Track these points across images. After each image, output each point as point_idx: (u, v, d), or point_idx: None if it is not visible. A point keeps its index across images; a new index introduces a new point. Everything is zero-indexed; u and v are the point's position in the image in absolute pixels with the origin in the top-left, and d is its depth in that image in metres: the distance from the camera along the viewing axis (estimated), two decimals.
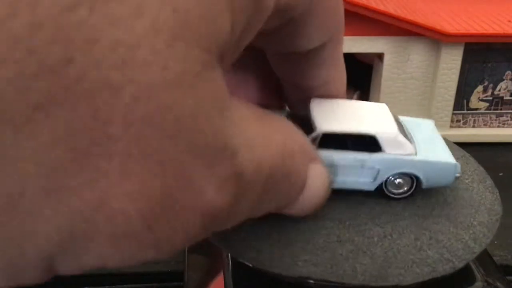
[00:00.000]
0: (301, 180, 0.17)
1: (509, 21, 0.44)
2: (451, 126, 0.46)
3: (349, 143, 0.20)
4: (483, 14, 0.46)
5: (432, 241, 0.19)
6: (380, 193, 0.21)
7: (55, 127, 0.10)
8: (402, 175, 0.20)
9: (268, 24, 0.15)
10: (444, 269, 0.18)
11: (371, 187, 0.20)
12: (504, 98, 0.45)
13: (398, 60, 0.44)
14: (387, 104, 0.22)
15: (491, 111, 0.46)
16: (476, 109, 0.46)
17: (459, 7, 0.48)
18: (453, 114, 0.45)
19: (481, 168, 0.23)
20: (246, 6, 0.13)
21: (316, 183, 0.17)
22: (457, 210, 0.20)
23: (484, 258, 0.21)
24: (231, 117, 0.13)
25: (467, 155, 0.24)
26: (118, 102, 0.11)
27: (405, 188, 0.21)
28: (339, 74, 0.22)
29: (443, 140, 0.22)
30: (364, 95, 0.48)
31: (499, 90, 0.45)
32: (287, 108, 0.24)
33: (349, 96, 0.23)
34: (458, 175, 0.20)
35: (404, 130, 0.21)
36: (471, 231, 0.19)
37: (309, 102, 0.21)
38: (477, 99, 0.45)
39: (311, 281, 0.17)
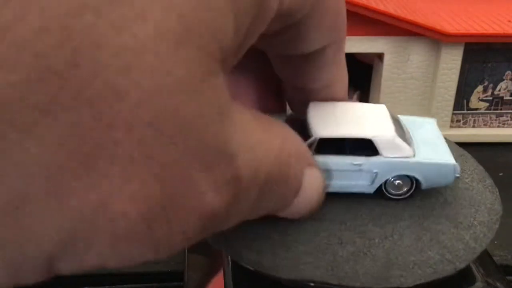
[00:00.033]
0: (297, 183, 0.17)
1: (509, 21, 0.44)
2: (451, 126, 0.46)
3: (346, 146, 0.20)
4: (483, 14, 0.46)
5: (433, 241, 0.19)
6: (380, 194, 0.21)
7: (60, 130, 0.10)
8: (400, 177, 0.20)
9: (270, 27, 0.15)
10: (445, 270, 0.18)
11: (370, 190, 0.20)
12: (504, 98, 0.45)
13: (398, 60, 0.44)
14: (387, 104, 0.22)
15: (491, 111, 0.46)
16: (476, 109, 0.46)
17: (459, 7, 0.48)
18: (453, 114, 0.45)
19: (480, 167, 0.23)
20: (249, 11, 0.13)
21: (311, 187, 0.18)
22: (457, 210, 0.20)
23: (484, 258, 0.21)
24: (231, 121, 0.13)
25: (466, 154, 0.24)
26: (122, 107, 0.11)
27: (405, 189, 0.21)
28: (341, 77, 0.22)
29: (444, 139, 0.22)
30: (364, 95, 0.48)
31: (499, 90, 0.45)
32: (286, 112, 0.24)
33: (349, 96, 0.23)
34: (457, 175, 0.20)
35: (404, 131, 0.21)
36: (471, 231, 0.19)
37: (307, 106, 0.21)
38: (477, 99, 0.45)
39: (311, 284, 0.17)
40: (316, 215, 0.19)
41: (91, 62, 0.10)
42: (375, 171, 0.20)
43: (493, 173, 0.23)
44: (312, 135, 0.19)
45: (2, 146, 0.10)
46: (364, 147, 0.20)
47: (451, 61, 0.43)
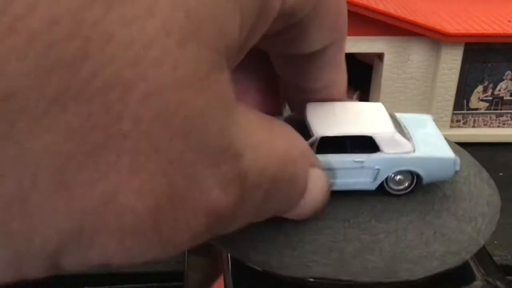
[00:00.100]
0: (302, 184, 0.17)
1: (509, 21, 0.44)
2: (451, 126, 0.46)
3: (347, 145, 0.20)
4: (483, 14, 0.46)
5: (437, 235, 0.19)
6: (381, 190, 0.21)
7: (69, 121, 0.10)
8: (402, 172, 0.20)
9: (272, 26, 0.16)
10: (453, 262, 0.18)
11: (372, 186, 0.21)
12: (504, 98, 0.45)
13: (398, 60, 0.44)
14: (387, 104, 0.22)
15: (491, 111, 0.46)
16: (476, 109, 0.46)
17: (459, 7, 0.48)
18: (453, 114, 0.45)
19: (475, 161, 0.23)
20: (253, 10, 0.13)
21: (316, 188, 0.18)
22: (457, 203, 0.21)
23: (484, 258, 0.21)
24: (237, 119, 0.13)
25: (461, 149, 0.24)
26: (130, 99, 0.11)
27: (406, 184, 0.21)
28: (341, 77, 0.22)
29: (441, 134, 0.22)
30: (364, 95, 0.48)
31: (499, 90, 0.45)
32: (284, 113, 0.25)
33: (349, 96, 0.23)
34: (457, 168, 0.20)
35: (402, 128, 0.21)
36: (473, 224, 0.20)
37: (305, 106, 0.21)
38: (477, 99, 0.45)
39: (311, 280, 0.17)
40: (318, 214, 0.19)
41: (101, 53, 0.10)
42: (377, 167, 0.20)
43: (493, 173, 0.23)
44: (313, 135, 0.20)
45: (11, 135, 0.10)
46: (365, 144, 0.20)
47: (451, 61, 0.43)
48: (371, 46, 0.43)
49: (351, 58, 0.44)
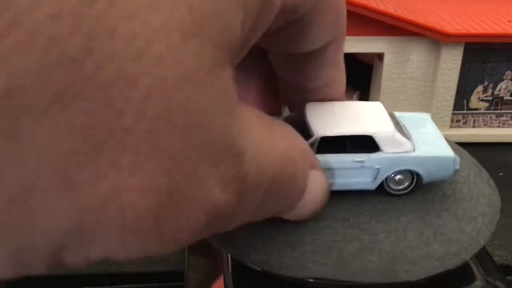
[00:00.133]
0: (302, 185, 0.17)
1: (509, 21, 0.44)
2: (451, 126, 0.46)
3: (347, 144, 0.20)
4: (483, 14, 0.46)
5: (437, 235, 0.19)
6: (381, 190, 0.21)
7: (72, 117, 0.10)
8: (402, 172, 0.20)
9: (274, 23, 0.16)
10: (453, 262, 0.18)
11: (372, 186, 0.21)
12: (504, 98, 0.45)
13: (398, 60, 0.44)
14: (387, 104, 0.22)
15: (491, 111, 0.46)
16: (476, 109, 0.46)
17: (459, 7, 0.48)
18: (453, 114, 0.45)
19: (475, 160, 0.23)
20: (256, 4, 0.13)
21: (315, 188, 0.18)
22: (457, 203, 0.21)
23: (484, 258, 0.21)
24: (239, 117, 0.13)
25: (460, 149, 0.24)
26: (132, 94, 0.11)
27: (406, 184, 0.21)
28: (340, 75, 0.22)
29: (441, 133, 0.22)
30: (364, 95, 0.48)
31: (499, 90, 0.45)
32: (284, 113, 0.24)
33: (349, 96, 0.23)
34: (457, 167, 0.20)
35: (401, 127, 0.21)
36: (473, 224, 0.20)
37: (305, 107, 0.21)
38: (477, 99, 0.45)
39: (312, 281, 0.17)
40: (318, 214, 0.19)
41: (104, 48, 0.10)
42: (377, 167, 0.20)
43: (493, 173, 0.23)
44: (313, 135, 0.19)
45: (14, 130, 0.10)
46: (365, 144, 0.20)
47: (451, 61, 0.43)
48: (371, 46, 0.43)
49: (351, 58, 0.44)
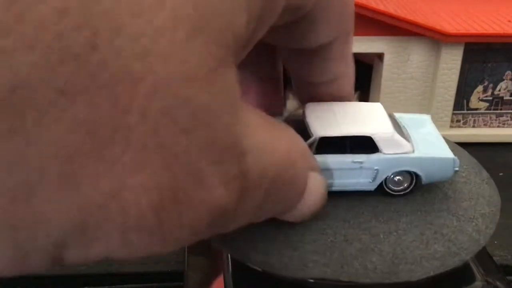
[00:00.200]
0: (302, 186, 0.17)
1: (509, 21, 0.44)
2: (451, 126, 0.46)
3: (346, 145, 0.20)
4: (483, 14, 0.46)
5: (437, 235, 0.19)
6: (381, 191, 0.21)
7: (77, 113, 0.10)
8: (401, 173, 0.20)
9: (280, 19, 0.16)
10: (453, 262, 0.18)
11: (371, 187, 0.21)
12: (504, 98, 0.45)
13: (398, 60, 0.44)
14: (387, 104, 0.22)
15: (491, 111, 0.46)
16: (476, 109, 0.46)
17: (459, 7, 0.48)
18: (453, 114, 0.45)
19: (475, 160, 0.24)
20: (259, 3, 0.13)
21: (315, 190, 0.18)
22: (458, 203, 0.21)
23: (484, 258, 0.21)
24: (242, 117, 0.13)
25: (460, 148, 0.24)
26: (137, 92, 0.11)
27: (405, 185, 0.21)
28: (349, 70, 0.22)
29: (440, 135, 0.22)
30: (364, 95, 0.48)
31: (499, 90, 0.45)
32: (284, 113, 0.24)
33: None
34: (457, 169, 0.20)
35: (400, 128, 0.21)
36: (473, 223, 0.20)
37: (303, 107, 0.21)
38: (477, 99, 0.45)
39: (312, 281, 0.17)
40: (318, 214, 0.19)
41: (109, 45, 0.10)
42: (376, 168, 0.20)
43: (493, 173, 0.23)
44: (312, 135, 0.19)
45: (19, 125, 0.10)
46: (364, 144, 0.20)
47: (451, 61, 0.43)
48: (371, 46, 0.43)
49: None
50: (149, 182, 0.12)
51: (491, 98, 0.45)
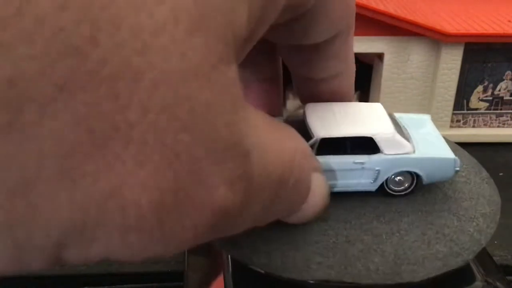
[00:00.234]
0: (306, 188, 0.17)
1: (509, 21, 0.44)
2: (451, 126, 0.46)
3: (347, 145, 0.20)
4: (483, 14, 0.46)
5: (439, 235, 0.19)
6: (381, 191, 0.21)
7: (76, 108, 0.10)
8: (402, 173, 0.20)
9: (281, 16, 0.15)
10: (455, 262, 0.18)
11: (372, 187, 0.21)
12: (504, 98, 0.45)
13: (398, 60, 0.44)
14: (387, 104, 0.22)
15: (491, 111, 0.46)
16: (476, 109, 0.46)
17: (459, 7, 0.48)
18: (453, 114, 0.45)
19: (474, 160, 0.24)
20: (261, 0, 0.13)
21: (318, 191, 0.18)
22: (458, 203, 0.21)
23: (484, 258, 0.21)
24: (245, 116, 0.13)
25: (459, 148, 0.24)
26: (138, 87, 0.11)
27: (406, 185, 0.21)
28: (349, 66, 0.22)
29: (440, 134, 0.22)
30: (364, 95, 0.48)
31: (499, 90, 0.45)
32: (283, 113, 0.24)
33: None
34: (457, 169, 0.20)
35: (401, 128, 0.21)
36: (474, 223, 0.20)
37: (304, 108, 0.21)
38: (477, 99, 0.45)
39: (314, 283, 0.17)
40: (320, 215, 0.19)
41: (110, 40, 0.10)
42: (377, 168, 0.20)
43: (493, 173, 0.23)
44: (313, 136, 0.19)
45: (17, 120, 0.10)
46: (365, 145, 0.20)
47: (451, 61, 0.43)
48: (371, 46, 0.43)
49: None
50: (150, 181, 0.11)
51: (491, 98, 0.45)
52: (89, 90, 0.10)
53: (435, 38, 0.42)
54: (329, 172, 0.19)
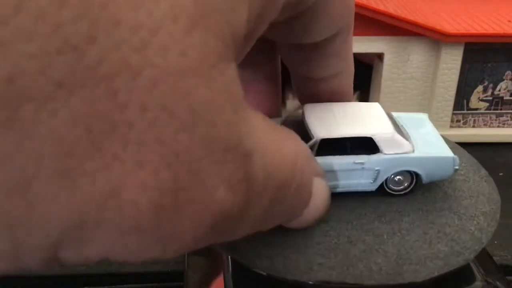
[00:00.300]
0: (308, 193, 0.17)
1: (509, 21, 0.44)
2: (451, 126, 0.46)
3: (346, 146, 0.20)
4: (483, 14, 0.46)
5: (440, 234, 0.19)
6: (381, 191, 0.21)
7: (75, 106, 0.10)
8: (402, 172, 0.20)
9: (279, 15, 0.15)
10: (457, 261, 0.18)
11: (372, 187, 0.21)
12: (504, 98, 0.45)
13: (398, 60, 0.44)
14: (387, 104, 0.22)
15: (491, 111, 0.46)
16: (476, 109, 0.46)
17: (459, 7, 0.48)
18: (453, 114, 0.45)
19: (473, 159, 0.24)
20: None
21: (319, 196, 0.18)
22: (458, 201, 0.21)
23: (484, 258, 0.21)
24: (245, 117, 0.13)
25: (457, 146, 0.24)
26: (136, 85, 0.11)
27: (406, 185, 0.21)
28: (349, 66, 0.22)
29: (439, 133, 0.22)
30: (364, 95, 0.48)
31: (499, 90, 0.45)
32: (282, 114, 0.24)
33: None
34: (457, 167, 0.20)
35: (400, 128, 0.21)
36: (475, 222, 0.20)
37: (302, 108, 0.21)
38: (477, 99, 0.45)
39: (316, 284, 0.17)
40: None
41: (108, 37, 0.10)
42: (377, 168, 0.20)
43: (493, 173, 0.23)
44: (312, 137, 0.19)
45: (15, 118, 0.10)
46: (365, 145, 0.20)
47: (451, 61, 0.43)
48: (371, 46, 0.43)
49: None
50: (149, 181, 0.11)
51: (491, 98, 0.45)
52: (87, 88, 0.10)
53: (435, 38, 0.42)
54: (329, 173, 0.19)
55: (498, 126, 0.46)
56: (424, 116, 0.24)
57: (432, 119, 0.24)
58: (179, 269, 0.30)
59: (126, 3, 0.10)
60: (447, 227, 0.19)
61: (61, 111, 0.10)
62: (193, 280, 0.26)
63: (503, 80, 0.44)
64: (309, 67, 0.21)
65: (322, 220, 0.19)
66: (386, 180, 0.20)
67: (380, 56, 0.45)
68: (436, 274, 0.17)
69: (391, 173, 0.20)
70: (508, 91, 0.45)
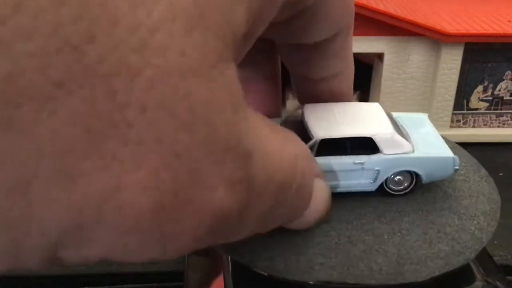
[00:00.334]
0: (309, 194, 0.17)
1: (509, 21, 0.44)
2: (451, 126, 0.46)
3: (346, 146, 0.20)
4: (483, 14, 0.46)
5: (440, 234, 0.19)
6: (381, 191, 0.21)
7: (74, 106, 0.10)
8: (402, 173, 0.20)
9: (279, 15, 0.15)
10: (457, 261, 0.18)
11: (372, 187, 0.21)
12: (504, 98, 0.45)
13: (398, 60, 0.44)
14: (387, 104, 0.22)
15: (491, 111, 0.46)
16: (476, 109, 0.46)
17: (459, 7, 0.48)
18: (453, 114, 0.45)
19: (473, 159, 0.24)
20: None
21: (319, 197, 0.18)
22: (458, 201, 0.21)
23: (484, 258, 0.21)
24: (245, 117, 0.13)
25: (457, 146, 0.24)
26: (135, 85, 0.11)
27: (405, 185, 0.21)
28: (349, 66, 0.22)
29: (438, 133, 0.22)
30: (364, 95, 0.48)
31: (499, 90, 0.45)
32: (282, 114, 0.24)
33: None
34: (457, 167, 0.20)
35: (399, 128, 0.21)
36: (475, 221, 0.20)
37: (302, 108, 0.21)
38: (477, 99, 0.45)
39: (317, 284, 0.17)
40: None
41: (107, 37, 0.10)
42: (377, 168, 0.20)
43: (493, 173, 0.23)
44: (312, 137, 0.19)
45: (15, 118, 0.10)
46: (365, 145, 0.20)
47: (451, 61, 0.43)
48: (371, 46, 0.43)
49: None
50: (148, 180, 0.11)
51: (491, 98, 0.45)
52: (87, 87, 0.10)
53: (435, 38, 0.42)
54: (329, 173, 0.19)
55: (498, 126, 0.46)
56: (424, 116, 0.24)
57: (432, 119, 0.24)
58: (179, 269, 0.30)
59: (125, 3, 0.10)
60: (447, 227, 0.19)
61: (61, 111, 0.10)
62: (193, 280, 0.26)
63: (503, 80, 0.44)
64: (309, 67, 0.21)
65: (323, 221, 0.19)
66: (386, 180, 0.20)
67: (380, 56, 0.45)
68: (437, 273, 0.17)
69: (391, 173, 0.20)
70: (508, 91, 0.45)
